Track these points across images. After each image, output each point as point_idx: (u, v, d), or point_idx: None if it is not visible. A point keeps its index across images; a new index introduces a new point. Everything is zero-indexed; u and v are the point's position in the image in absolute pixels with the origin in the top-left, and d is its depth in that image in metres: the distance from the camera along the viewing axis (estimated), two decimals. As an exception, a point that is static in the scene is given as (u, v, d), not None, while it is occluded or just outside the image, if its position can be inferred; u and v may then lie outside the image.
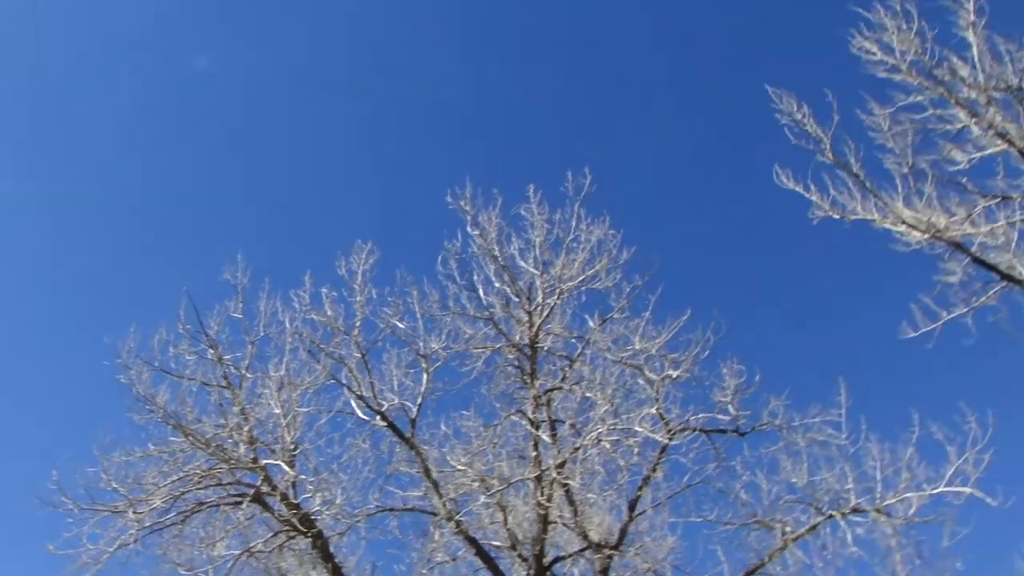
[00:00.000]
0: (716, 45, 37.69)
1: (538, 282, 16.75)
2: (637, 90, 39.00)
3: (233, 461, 15.87)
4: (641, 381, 16.24)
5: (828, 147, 14.83)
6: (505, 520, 15.79)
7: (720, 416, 15.89)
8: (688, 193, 38.43)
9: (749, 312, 34.59)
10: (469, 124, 39.48)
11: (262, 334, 17.42)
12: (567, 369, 16.65)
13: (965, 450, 14.69)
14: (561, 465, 15.42)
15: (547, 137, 38.29)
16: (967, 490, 14.55)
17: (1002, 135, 13.83)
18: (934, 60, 13.99)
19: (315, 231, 37.52)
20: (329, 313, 17.30)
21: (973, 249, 14.37)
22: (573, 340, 16.90)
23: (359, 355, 17.00)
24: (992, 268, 14.23)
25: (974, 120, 13.97)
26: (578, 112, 38.72)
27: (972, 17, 13.77)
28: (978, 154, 14.26)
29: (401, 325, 17.17)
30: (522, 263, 16.91)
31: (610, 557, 15.65)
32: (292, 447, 16.29)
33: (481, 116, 39.86)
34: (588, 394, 15.97)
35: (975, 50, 13.86)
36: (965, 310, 14.49)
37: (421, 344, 17.06)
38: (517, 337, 16.65)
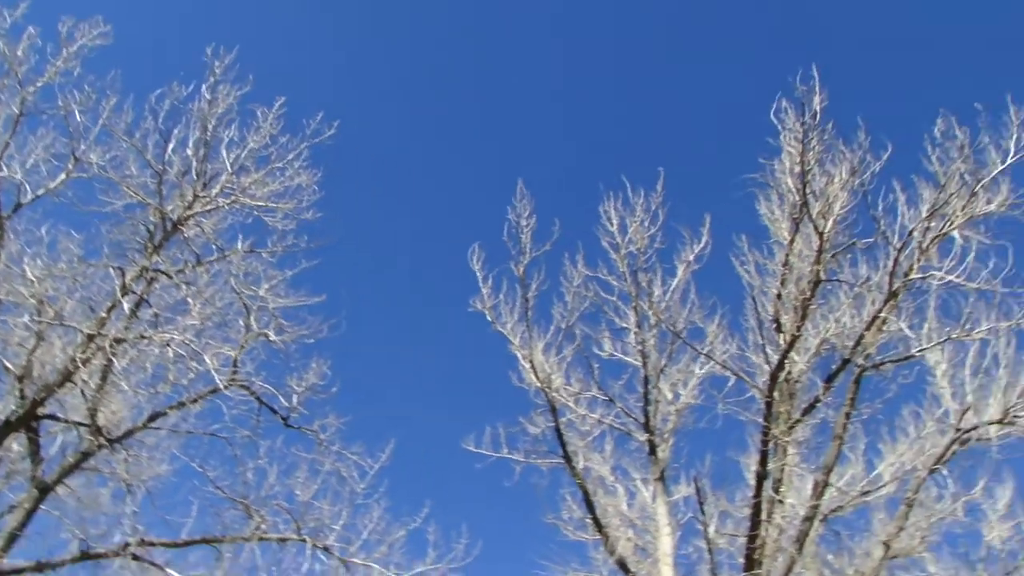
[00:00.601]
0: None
1: (224, 177, 16.08)
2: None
3: None
4: (242, 322, 15.99)
5: (524, 263, 15.42)
6: (33, 351, 14.87)
7: (282, 398, 15.91)
8: (405, 206, 39.29)
9: (377, 332, 35.70)
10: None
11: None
12: (189, 266, 16.03)
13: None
14: (119, 341, 14.81)
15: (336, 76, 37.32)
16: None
17: (643, 355, 15.02)
18: (635, 264, 14.96)
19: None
20: (20, 54, 15.63)
21: (562, 420, 15.45)
22: (214, 247, 16.34)
23: (16, 111, 15.48)
24: (563, 444, 15.34)
25: (636, 331, 15.06)
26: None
27: (691, 257, 14.93)
28: (619, 355, 15.41)
29: (78, 117, 15.85)
30: (223, 152, 16.17)
31: (99, 447, 15.18)
32: None
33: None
34: (190, 299, 15.42)
35: (676, 280, 15.03)
36: (520, 459, 15.56)
37: (83, 146, 15.83)
38: (170, 208, 15.86)
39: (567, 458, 15.28)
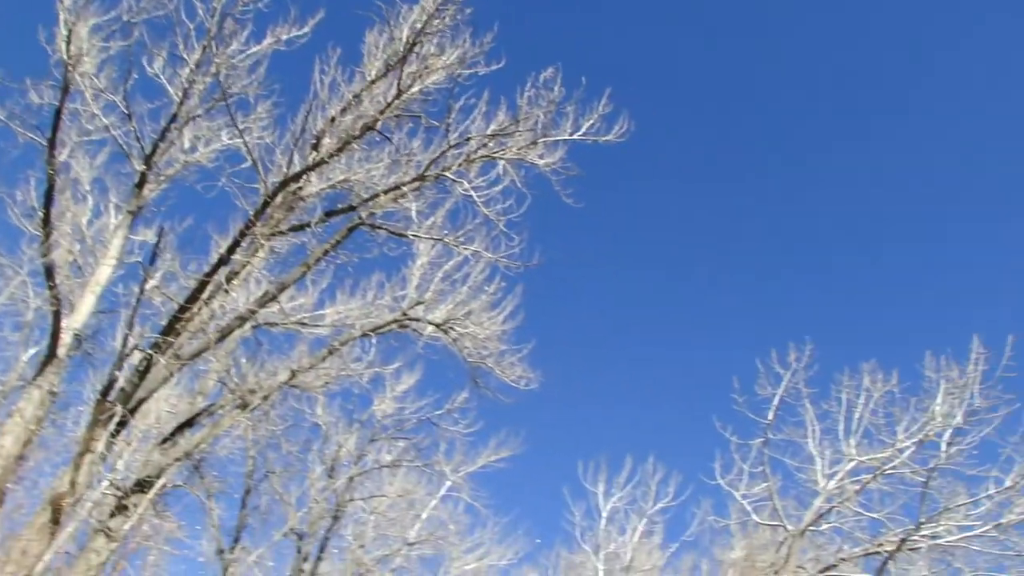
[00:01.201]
0: None
1: None
2: None
3: None
4: None
5: None
6: None
7: None
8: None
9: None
10: None
11: None
12: None
13: None
14: None
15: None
16: None
17: (184, 94, 14.45)
18: (231, 8, 14.35)
19: None
20: None
21: (69, 106, 14.34)
22: None
23: None
24: (56, 129, 14.19)
25: (192, 68, 14.37)
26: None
27: (284, 37, 14.76)
28: (163, 80, 14.66)
29: None
30: None
31: None
32: None
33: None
34: None
35: (258, 48, 14.69)
36: (2, 117, 14.19)
37: None
38: None
39: (52, 144, 14.10)
